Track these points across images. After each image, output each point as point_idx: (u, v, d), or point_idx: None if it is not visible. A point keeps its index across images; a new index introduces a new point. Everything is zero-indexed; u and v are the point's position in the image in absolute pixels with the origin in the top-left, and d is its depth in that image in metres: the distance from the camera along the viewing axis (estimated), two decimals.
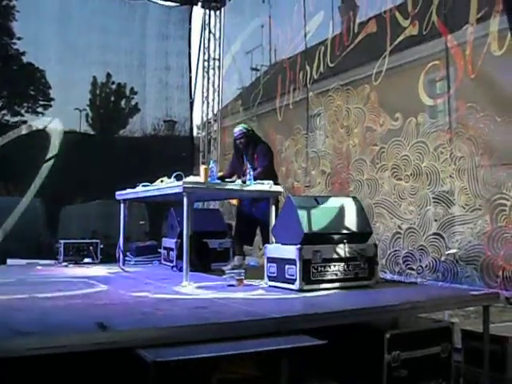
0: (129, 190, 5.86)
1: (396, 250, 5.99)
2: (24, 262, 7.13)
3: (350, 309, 3.57)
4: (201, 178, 4.80)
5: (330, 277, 4.41)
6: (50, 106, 9.26)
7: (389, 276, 5.87)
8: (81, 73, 9.31)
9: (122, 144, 9.75)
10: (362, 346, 3.68)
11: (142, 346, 2.69)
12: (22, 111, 9.14)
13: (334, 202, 4.69)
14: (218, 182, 4.98)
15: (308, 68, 7.77)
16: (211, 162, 5.04)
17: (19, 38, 8.94)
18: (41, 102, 9.30)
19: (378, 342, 3.56)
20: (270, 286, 4.58)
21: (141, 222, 8.52)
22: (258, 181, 5.21)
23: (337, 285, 4.42)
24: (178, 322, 3.03)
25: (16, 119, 9.01)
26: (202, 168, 4.83)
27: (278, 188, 5.33)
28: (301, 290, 4.26)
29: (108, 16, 9.77)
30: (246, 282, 4.72)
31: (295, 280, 4.29)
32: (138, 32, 10.09)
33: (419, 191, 5.79)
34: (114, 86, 10.01)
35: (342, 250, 4.47)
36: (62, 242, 7.20)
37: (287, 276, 4.38)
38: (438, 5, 5.68)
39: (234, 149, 6.21)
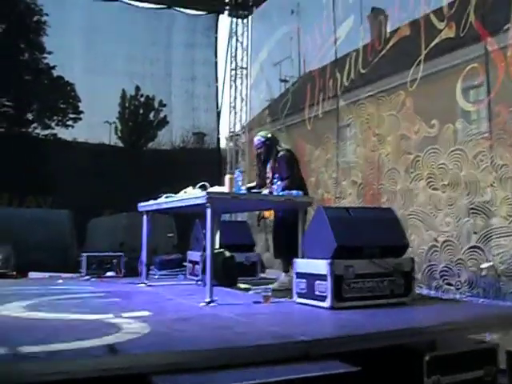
0: (151, 202, 5.64)
1: (432, 264, 5.67)
2: (47, 275, 7.03)
3: (386, 330, 3.26)
4: (225, 188, 4.54)
5: (363, 294, 4.10)
6: (80, 118, 9.36)
7: (425, 291, 5.54)
8: (109, 86, 9.39)
9: (151, 156, 9.75)
10: (399, 370, 3.34)
11: (156, 371, 2.43)
12: (52, 124, 9.24)
13: (367, 213, 4.40)
14: (244, 191, 4.71)
15: (338, 75, 7.50)
16: (237, 171, 4.79)
17: (50, 53, 9.06)
18: (71, 115, 9.42)
19: (417, 366, 3.23)
20: (298, 303, 4.29)
21: (169, 235, 8.31)
22: (287, 191, 4.93)
23: (371, 302, 4.10)
24: (197, 345, 2.76)
25: (46, 132, 9.12)
26: (227, 177, 4.57)
27: (308, 198, 5.03)
28: (332, 308, 3.96)
29: (134, 26, 9.80)
30: (272, 298, 4.43)
31: (326, 297, 4.01)
32: (164, 41, 10.07)
33: (457, 202, 5.47)
34: (142, 99, 10.07)
35: (377, 264, 4.15)
36: (85, 254, 7.03)
37: (317, 293, 4.10)
38: (475, 5, 5.37)
39: (256, 159, 5.93)
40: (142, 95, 10.05)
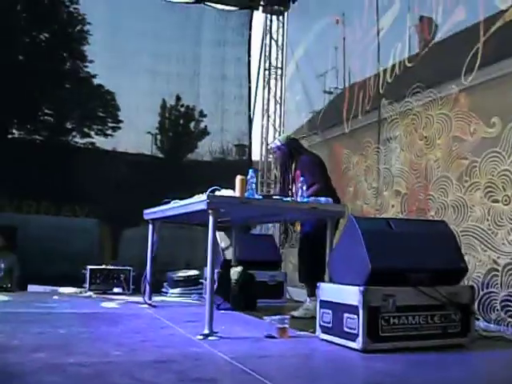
0: (156, 208, 4.84)
1: (491, 292, 4.67)
2: (48, 288, 6.57)
3: None
4: (236, 192, 3.67)
5: (406, 332, 3.17)
6: (119, 128, 9.19)
7: (482, 325, 4.54)
8: (150, 94, 9.20)
9: (190, 167, 9.48)
10: None
11: None
12: (92, 133, 9.13)
13: (413, 227, 3.46)
14: (258, 197, 3.82)
15: (381, 70, 6.60)
16: (250, 171, 3.90)
17: (91, 61, 8.99)
18: (110, 124, 9.25)
19: None
20: (322, 340, 3.38)
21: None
22: (313, 198, 4.04)
23: (417, 344, 3.17)
24: None
25: (84, 141, 9.05)
26: (238, 179, 3.71)
27: (339, 207, 4.12)
28: (365, 351, 3.03)
29: (161, 22, 9.29)
30: (291, 331, 3.54)
31: (357, 335, 3.10)
32: (192, 38, 9.47)
33: None
34: (183, 109, 9.74)
35: (425, 294, 3.20)
36: (89, 267, 6.38)
37: (346, 329, 3.22)
38: None
39: (279, 166, 5.15)
40: (182, 105, 9.67)
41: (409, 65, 6.17)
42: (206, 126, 9.68)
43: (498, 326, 4.53)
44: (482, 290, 4.74)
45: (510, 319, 4.46)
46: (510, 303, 4.48)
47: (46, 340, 3.35)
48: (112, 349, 3.02)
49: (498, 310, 4.59)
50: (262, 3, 9.71)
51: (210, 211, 3.47)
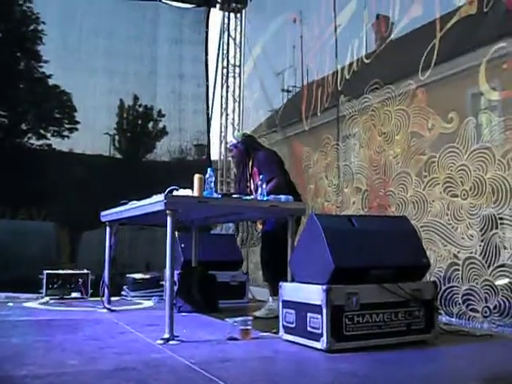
0: (113, 210, 4.70)
1: (453, 286, 4.69)
2: (3, 295, 6.23)
3: None
4: (194, 191, 3.58)
5: (371, 330, 3.12)
6: (76, 129, 8.98)
7: (444, 319, 4.55)
8: (107, 95, 9.04)
9: (149, 168, 9.34)
10: None
11: None
12: (48, 135, 8.90)
13: (375, 224, 3.41)
14: (216, 196, 3.73)
15: (339, 67, 6.58)
16: (209, 170, 3.81)
17: (46, 61, 8.75)
18: (66, 126, 9.03)
19: None
20: (286, 341, 3.31)
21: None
22: (273, 196, 3.96)
23: (381, 342, 3.12)
24: None
25: (41, 142, 8.81)
26: (196, 178, 3.61)
27: (299, 204, 4.06)
28: (329, 351, 2.97)
29: (116, 19, 9.10)
30: (254, 332, 3.46)
31: (321, 335, 3.03)
32: (148, 36, 9.30)
33: (482, 210, 4.47)
34: (141, 109, 9.55)
35: (389, 291, 3.16)
36: (46, 272, 6.18)
37: (310, 329, 3.14)
38: None
39: (235, 165, 5.07)
40: (140, 105, 9.47)
41: (366, 61, 6.16)
42: (164, 126, 9.53)
43: (459, 320, 4.54)
44: (444, 284, 4.75)
45: (471, 313, 4.47)
46: (471, 297, 4.49)
47: None
48: (68, 358, 2.87)
49: (459, 304, 4.60)
50: (218, 0, 9.62)
51: (167, 212, 3.36)
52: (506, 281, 4.11)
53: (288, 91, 8.03)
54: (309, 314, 3.16)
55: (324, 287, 3.09)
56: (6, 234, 7.26)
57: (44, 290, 6.14)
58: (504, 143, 4.35)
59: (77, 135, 8.92)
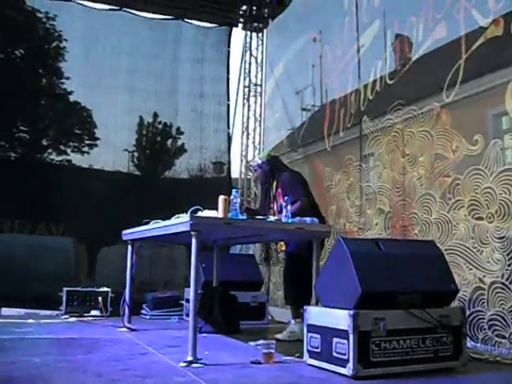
0: (135, 229, 4.69)
1: (478, 311, 4.58)
2: (22, 311, 6.31)
3: None
4: (219, 213, 3.56)
5: (398, 357, 3.05)
6: (96, 145, 9.11)
7: (470, 344, 4.45)
8: (127, 112, 9.15)
9: (167, 185, 9.41)
10: None
11: None
12: (68, 150, 9.05)
13: (402, 248, 3.36)
14: (242, 217, 3.71)
15: (362, 87, 6.55)
16: (233, 191, 3.79)
17: (67, 78, 8.91)
18: (86, 142, 9.18)
19: None
20: (310, 365, 3.26)
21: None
22: (298, 218, 3.93)
23: (408, 368, 3.06)
24: None
25: (61, 158, 8.95)
26: (221, 199, 3.59)
27: (325, 227, 4.03)
28: (355, 378, 2.92)
29: (138, 38, 9.26)
30: (277, 356, 3.41)
31: (347, 361, 2.97)
32: (169, 55, 9.46)
33: (508, 233, 4.38)
34: (160, 126, 9.67)
35: (417, 317, 3.10)
36: (65, 289, 6.18)
37: (335, 354, 3.09)
38: None
39: (260, 185, 5.05)
40: (159, 122, 9.60)
41: (390, 82, 6.13)
42: (183, 144, 9.61)
43: (485, 345, 4.44)
44: (469, 309, 4.65)
45: (497, 338, 4.37)
46: (496, 322, 4.40)
47: (18, 371, 3.12)
48: (91, 380, 2.85)
49: (485, 329, 4.50)
50: (241, 20, 9.68)
51: (192, 233, 3.34)
52: None
53: (307, 110, 8.02)
54: (335, 339, 3.11)
55: (351, 312, 3.04)
56: (24, 249, 7.26)
57: (64, 307, 6.13)
58: None
59: (96, 151, 9.04)
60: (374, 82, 6.33)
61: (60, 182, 8.29)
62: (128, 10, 9.00)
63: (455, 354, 3.27)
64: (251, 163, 4.91)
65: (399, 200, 5.74)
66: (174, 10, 9.27)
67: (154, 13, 9.22)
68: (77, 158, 8.95)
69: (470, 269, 4.72)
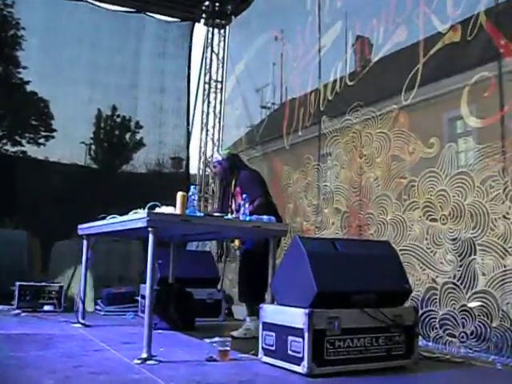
0: (92, 224, 4.62)
1: (431, 311, 4.69)
2: None
3: None
4: (176, 209, 3.54)
5: (352, 355, 3.09)
6: (53, 137, 8.96)
7: (421, 343, 4.54)
8: (85, 104, 8.91)
9: (125, 179, 9.28)
10: None
11: None
12: (23, 141, 8.91)
13: (358, 248, 3.40)
14: (199, 214, 3.70)
15: (322, 87, 6.60)
16: (192, 188, 3.78)
17: (24, 67, 8.73)
18: (43, 133, 9.08)
19: None
20: (265, 363, 3.27)
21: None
22: (255, 216, 3.94)
23: (362, 367, 3.10)
24: None
25: (15, 149, 8.78)
26: (179, 195, 3.57)
27: (281, 226, 4.05)
28: (310, 375, 2.94)
29: (100, 30, 9.05)
30: (232, 353, 3.42)
31: (302, 359, 2.99)
32: (131, 48, 9.27)
33: (460, 236, 4.49)
34: (119, 119, 9.56)
35: (371, 316, 3.14)
36: (18, 283, 6.03)
37: (290, 352, 3.11)
38: (487, 4, 4.51)
39: (219, 182, 5.06)
40: (118, 115, 9.47)
41: (350, 83, 6.19)
42: (141, 138, 9.51)
43: (436, 344, 4.54)
44: (422, 308, 4.74)
45: (448, 337, 4.48)
46: (448, 322, 4.50)
47: None
48: (44, 377, 2.80)
49: (436, 328, 4.60)
50: (203, 16, 9.62)
51: (150, 229, 3.32)
52: (477, 304, 4.13)
53: (267, 108, 8.04)
54: (290, 338, 3.13)
55: (306, 311, 3.06)
56: None
57: (16, 302, 5.98)
58: (483, 169, 4.40)
59: (53, 143, 8.88)
60: (334, 82, 6.39)
61: (14, 173, 8.14)
62: (90, 1, 8.79)
63: (407, 353, 3.33)
64: (211, 159, 4.89)
65: (356, 200, 5.81)
66: (136, 3, 9.09)
67: (116, 5, 9.03)
68: (32, 150, 8.79)
69: (424, 269, 4.81)
